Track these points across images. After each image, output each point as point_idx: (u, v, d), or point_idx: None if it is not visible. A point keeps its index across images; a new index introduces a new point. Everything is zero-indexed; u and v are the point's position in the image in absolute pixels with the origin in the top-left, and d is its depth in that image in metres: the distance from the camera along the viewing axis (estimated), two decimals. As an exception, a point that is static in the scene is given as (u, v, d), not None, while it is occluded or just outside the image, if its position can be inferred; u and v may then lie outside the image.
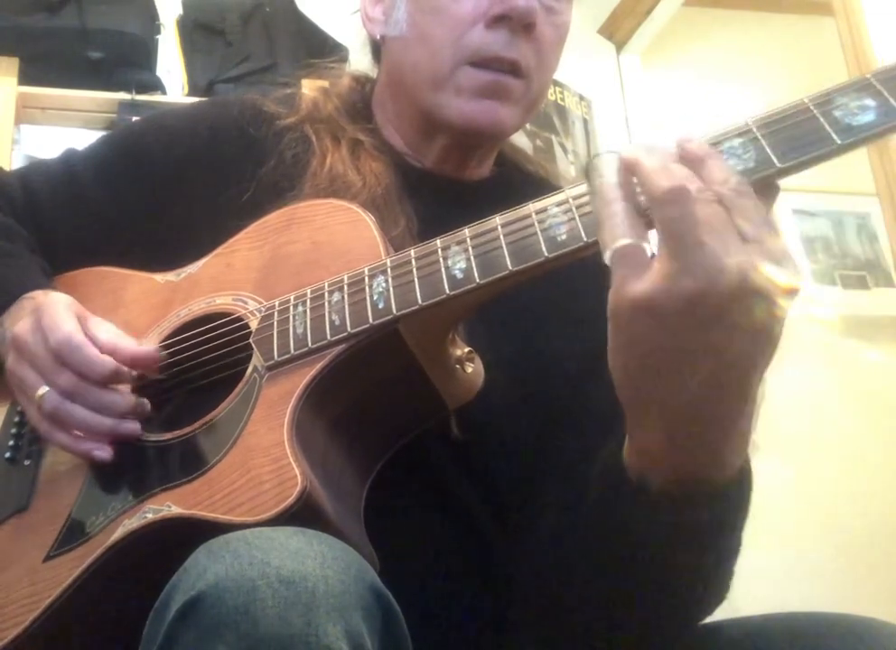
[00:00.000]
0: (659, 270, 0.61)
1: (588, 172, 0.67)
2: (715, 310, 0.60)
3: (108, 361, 0.85)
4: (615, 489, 0.74)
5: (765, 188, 0.66)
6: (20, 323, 0.89)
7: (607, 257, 0.63)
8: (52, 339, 0.86)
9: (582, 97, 3.15)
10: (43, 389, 0.86)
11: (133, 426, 0.86)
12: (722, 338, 0.61)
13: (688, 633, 0.83)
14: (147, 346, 0.90)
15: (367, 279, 0.81)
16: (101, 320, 0.90)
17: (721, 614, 0.85)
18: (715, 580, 0.78)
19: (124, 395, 0.86)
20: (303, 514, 0.71)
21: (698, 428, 0.66)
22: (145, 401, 0.87)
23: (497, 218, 0.78)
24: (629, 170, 0.65)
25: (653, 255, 0.63)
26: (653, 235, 0.64)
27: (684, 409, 0.65)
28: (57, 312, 0.88)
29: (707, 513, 0.70)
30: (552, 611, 0.87)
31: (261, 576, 0.60)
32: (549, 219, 0.74)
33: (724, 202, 0.61)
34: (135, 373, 0.89)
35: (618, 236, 0.63)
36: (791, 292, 0.61)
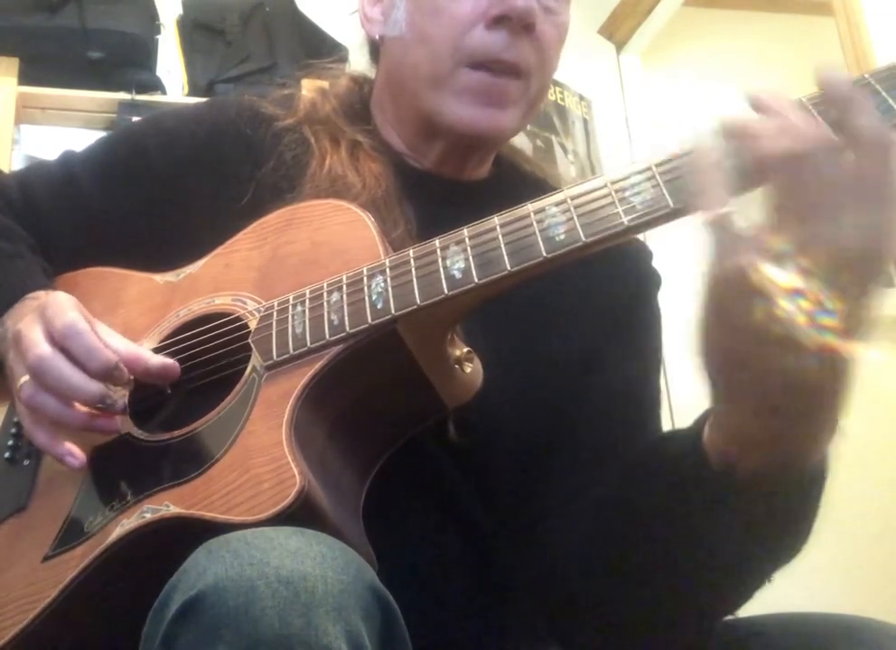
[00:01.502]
0: (780, 234, 0.58)
1: (689, 140, 0.65)
2: (839, 276, 0.58)
3: (111, 354, 0.84)
4: (690, 476, 0.72)
5: None
6: (24, 320, 0.89)
7: (707, 226, 0.61)
8: (57, 324, 0.85)
9: (582, 97, 3.15)
10: (24, 378, 0.85)
11: (108, 423, 0.85)
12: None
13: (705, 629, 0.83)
14: (167, 359, 0.88)
15: (365, 279, 0.81)
16: (109, 329, 0.89)
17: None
18: (764, 573, 0.77)
19: (91, 382, 0.83)
20: (301, 513, 0.71)
21: (793, 406, 0.64)
22: (116, 397, 0.85)
23: (495, 218, 0.78)
24: (734, 136, 0.62)
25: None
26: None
27: (780, 384, 0.63)
28: (60, 305, 0.88)
29: (790, 500, 0.70)
30: (559, 609, 0.87)
31: (260, 576, 0.60)
32: (548, 220, 0.74)
33: (861, 155, 0.58)
34: (130, 376, 0.88)
35: (719, 203, 0.60)
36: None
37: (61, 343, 0.84)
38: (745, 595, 0.79)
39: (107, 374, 0.84)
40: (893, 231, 0.58)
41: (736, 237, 0.60)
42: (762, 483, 0.69)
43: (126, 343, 0.88)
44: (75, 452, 0.84)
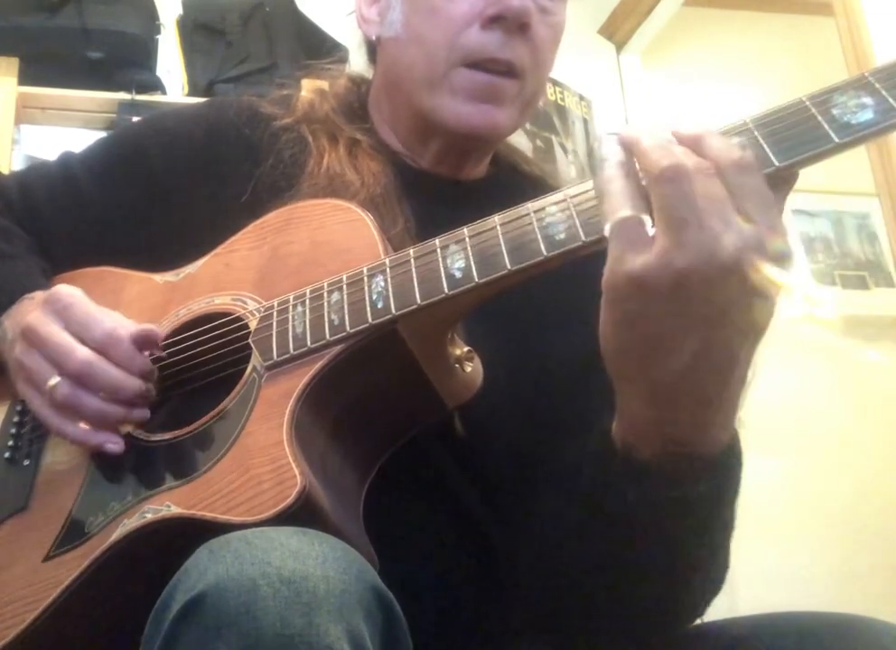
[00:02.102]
0: (655, 246, 0.62)
1: (591, 152, 0.68)
2: (708, 287, 0.61)
3: (146, 358, 0.86)
4: (605, 463, 0.75)
5: (781, 178, 0.67)
6: (33, 314, 0.88)
7: (606, 230, 0.64)
8: (73, 315, 0.86)
9: (582, 97, 3.15)
10: (55, 379, 0.85)
11: (144, 413, 0.86)
12: (712, 315, 0.62)
13: (689, 622, 0.83)
14: (144, 325, 0.89)
15: (366, 279, 0.81)
16: (105, 309, 0.90)
17: (721, 613, 0.85)
18: (709, 559, 0.79)
19: (134, 380, 0.86)
20: (302, 513, 0.71)
21: (685, 402, 0.67)
22: (151, 386, 0.87)
23: (495, 217, 0.78)
24: (627, 149, 0.66)
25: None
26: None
27: (671, 383, 0.66)
28: (73, 296, 0.88)
29: (694, 486, 0.71)
30: (552, 606, 0.87)
31: (262, 576, 0.60)
32: (548, 219, 0.74)
33: (724, 179, 0.63)
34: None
35: (617, 208, 0.64)
36: (784, 265, 0.62)
37: (103, 351, 0.85)
38: (691, 589, 0.81)
39: (146, 376, 0.86)
40: (755, 247, 0.61)
41: (630, 242, 0.63)
42: (661, 471, 0.71)
43: (115, 318, 0.88)
44: (113, 438, 0.85)
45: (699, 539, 0.76)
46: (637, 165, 0.65)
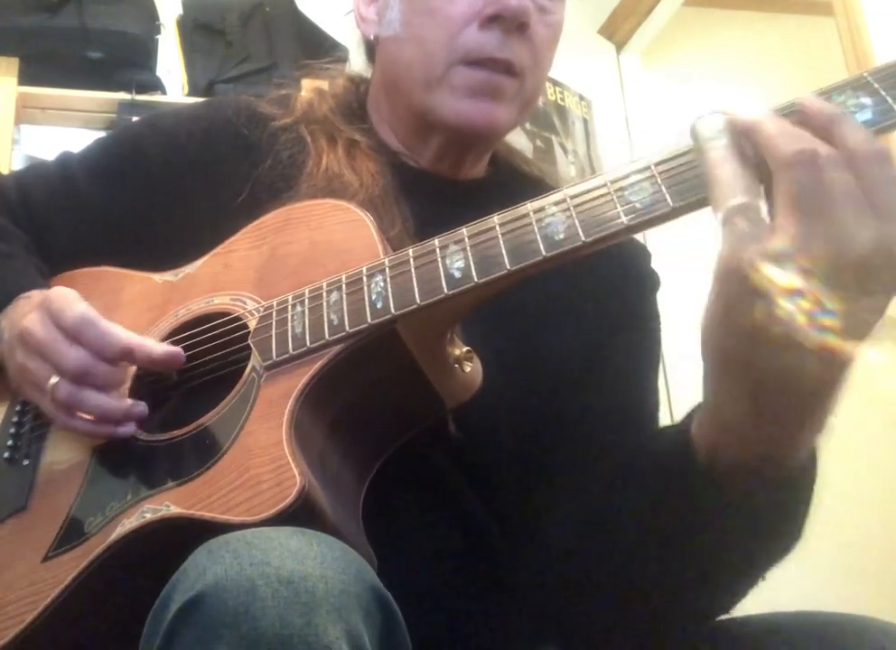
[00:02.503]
0: (779, 235, 0.59)
1: (695, 133, 0.65)
2: (839, 280, 0.58)
3: (125, 336, 0.86)
4: (677, 468, 0.73)
5: None
6: (28, 317, 0.89)
7: (719, 217, 0.61)
8: (66, 319, 0.86)
9: (582, 97, 3.15)
10: (55, 379, 0.85)
11: (143, 408, 0.86)
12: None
13: (710, 622, 0.83)
14: (171, 346, 0.89)
15: (365, 278, 0.81)
16: (112, 322, 0.90)
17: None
18: (756, 569, 0.78)
19: (130, 373, 0.86)
20: (301, 513, 0.71)
21: (786, 402, 0.65)
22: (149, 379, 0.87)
23: (495, 217, 0.78)
24: (746, 133, 0.63)
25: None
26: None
27: (778, 382, 0.63)
28: (66, 298, 0.88)
29: (769, 495, 0.70)
30: (558, 606, 0.87)
31: (261, 576, 0.60)
32: (547, 219, 0.74)
33: (859, 170, 0.59)
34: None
35: (731, 194, 0.61)
36: None
37: (76, 336, 0.85)
38: (736, 592, 0.79)
39: (123, 356, 0.86)
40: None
41: (748, 230, 0.60)
42: (747, 475, 0.69)
43: (129, 333, 0.88)
44: (125, 423, 0.86)
45: (753, 547, 0.74)
46: (749, 149, 0.62)
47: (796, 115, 0.63)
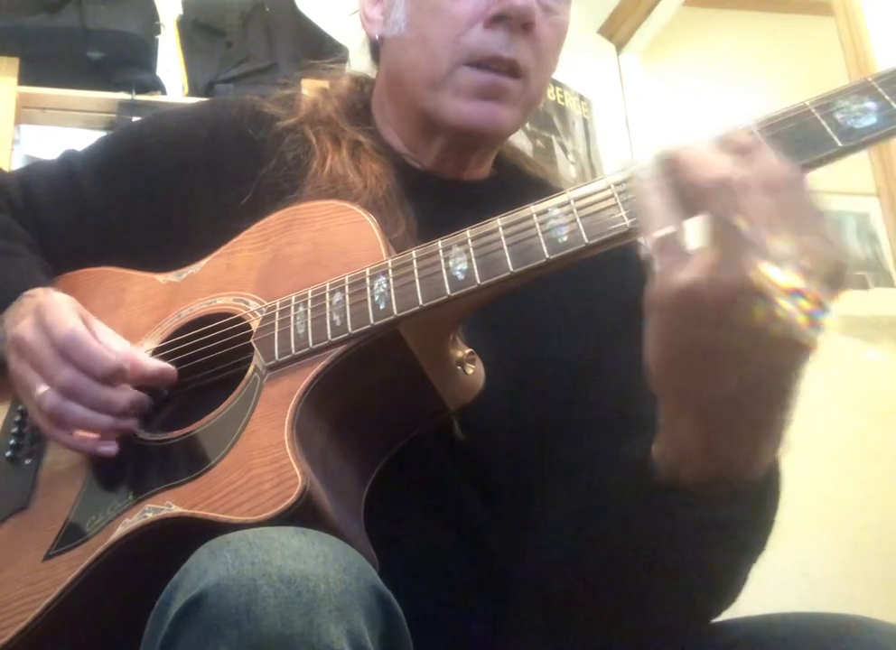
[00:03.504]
0: (703, 260, 0.59)
1: (632, 165, 0.66)
2: (759, 303, 0.59)
3: (113, 358, 0.85)
4: (642, 484, 0.73)
5: None
6: (21, 323, 0.89)
7: (649, 246, 0.62)
8: (56, 335, 0.85)
9: (582, 97, 3.15)
10: (42, 388, 0.85)
11: (131, 423, 0.86)
12: (764, 332, 0.60)
13: (694, 631, 0.83)
14: (164, 363, 0.89)
15: (368, 280, 0.81)
16: (108, 329, 0.90)
17: (722, 614, 0.85)
18: (730, 579, 0.78)
19: (122, 392, 0.86)
20: (303, 513, 0.71)
21: (736, 424, 0.66)
22: (145, 396, 0.87)
23: (498, 219, 0.78)
24: (670, 161, 0.64)
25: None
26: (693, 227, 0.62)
27: (721, 403, 0.64)
28: (60, 310, 0.88)
29: (734, 509, 0.70)
30: (555, 609, 0.87)
31: (262, 575, 0.60)
32: (550, 221, 0.74)
33: (775, 195, 0.60)
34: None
35: (660, 224, 0.62)
36: (840, 281, 0.59)
37: (64, 354, 0.85)
38: (713, 602, 0.80)
39: (115, 377, 0.85)
40: (824, 251, 0.59)
41: (675, 258, 0.61)
42: (705, 494, 0.70)
43: (125, 346, 0.88)
44: (106, 441, 0.85)
45: (722, 559, 0.75)
46: (679, 179, 0.63)
47: (714, 145, 0.64)
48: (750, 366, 0.62)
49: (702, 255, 0.60)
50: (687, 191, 0.62)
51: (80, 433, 0.86)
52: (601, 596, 0.82)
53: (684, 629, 0.82)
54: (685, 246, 0.61)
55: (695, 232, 0.61)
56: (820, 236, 0.60)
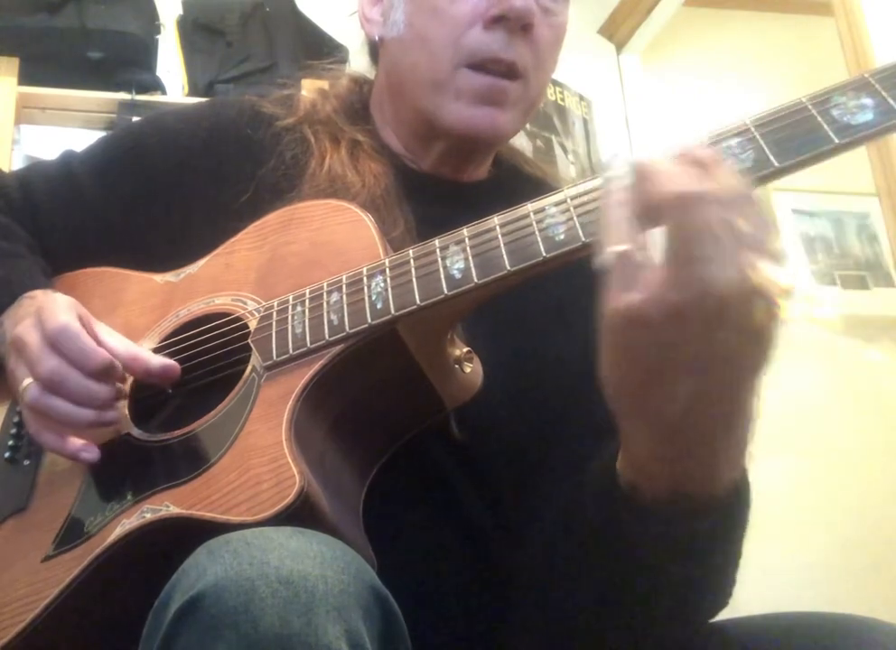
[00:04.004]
0: (652, 280, 0.60)
1: (601, 176, 0.66)
2: (706, 323, 0.59)
3: (104, 353, 0.85)
4: (608, 497, 0.73)
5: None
6: (22, 323, 0.89)
7: (604, 261, 0.62)
8: (48, 328, 0.85)
9: (582, 97, 3.15)
10: (27, 381, 0.85)
11: (113, 415, 0.85)
12: (712, 353, 0.60)
13: (685, 635, 0.83)
14: (168, 359, 0.88)
15: (365, 279, 0.81)
16: (110, 328, 0.90)
17: (721, 614, 0.85)
18: (710, 590, 0.78)
19: (105, 386, 0.85)
20: (301, 513, 0.71)
21: (688, 441, 0.65)
22: (125, 389, 0.87)
23: (495, 218, 0.78)
24: (635, 173, 0.63)
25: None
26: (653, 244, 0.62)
27: (673, 421, 0.64)
28: (56, 307, 0.88)
29: (698, 525, 0.69)
30: (547, 612, 0.87)
31: (260, 576, 0.60)
32: (547, 220, 0.74)
33: (727, 206, 0.60)
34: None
35: (615, 240, 0.62)
36: (787, 297, 0.60)
37: (56, 346, 0.85)
38: (692, 617, 0.80)
39: (104, 372, 0.84)
40: (768, 279, 0.59)
41: (628, 275, 0.61)
42: (664, 509, 0.69)
43: (127, 343, 0.88)
44: (88, 447, 0.85)
45: (700, 571, 0.74)
46: (641, 191, 0.63)
47: (676, 159, 0.64)
48: (700, 382, 0.61)
49: (652, 273, 0.60)
50: (648, 204, 0.62)
51: (63, 435, 0.85)
52: (581, 600, 0.81)
53: (673, 632, 0.82)
54: (638, 264, 0.61)
55: (649, 248, 0.61)
56: (771, 252, 0.60)
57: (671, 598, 0.76)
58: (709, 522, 0.70)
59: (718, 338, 0.59)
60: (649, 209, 0.61)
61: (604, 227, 0.63)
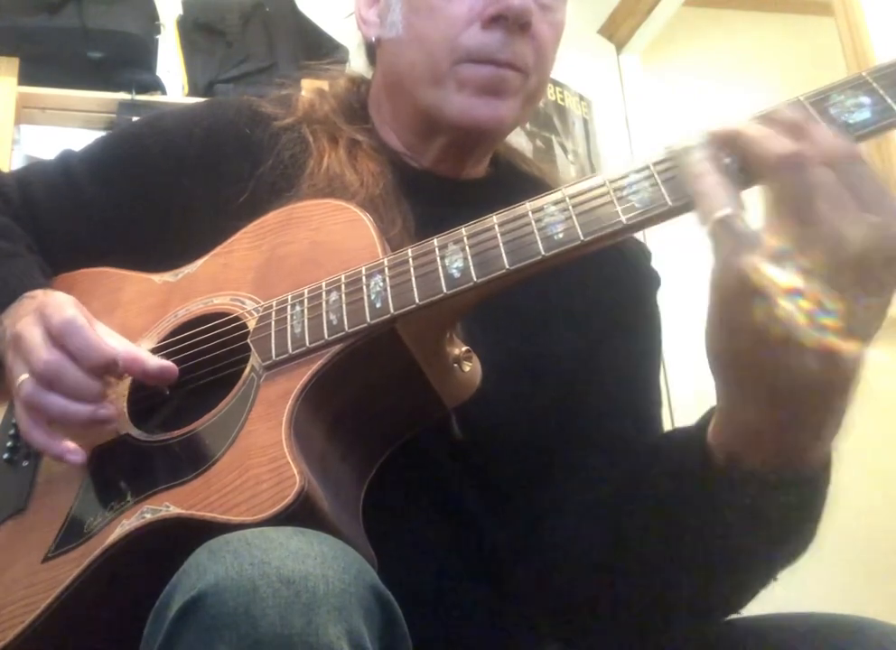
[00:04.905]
0: (777, 236, 0.59)
1: (675, 150, 0.66)
2: (837, 279, 0.58)
3: (109, 348, 0.84)
4: (693, 470, 0.72)
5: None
6: (23, 321, 0.88)
7: (707, 229, 0.62)
8: (54, 321, 0.85)
9: (582, 97, 3.15)
10: (23, 377, 0.85)
11: (109, 411, 0.85)
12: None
13: (702, 630, 0.83)
14: (165, 361, 0.87)
15: (364, 278, 0.81)
16: (108, 328, 0.89)
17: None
18: (768, 570, 0.77)
19: (100, 382, 0.84)
20: (301, 513, 0.71)
21: (799, 407, 0.65)
22: (121, 388, 0.86)
23: (494, 217, 0.78)
24: (728, 140, 0.63)
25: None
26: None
27: (786, 385, 0.63)
28: (61, 302, 0.88)
29: (794, 496, 0.69)
30: (558, 605, 0.87)
31: (261, 576, 0.60)
32: (546, 218, 0.74)
33: (837, 168, 0.60)
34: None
35: (718, 206, 0.61)
36: None
37: (60, 340, 0.84)
38: (748, 593, 0.79)
39: (105, 369, 0.84)
40: (890, 234, 0.59)
41: (737, 239, 0.60)
42: (766, 479, 0.69)
43: (125, 343, 0.88)
44: (75, 449, 0.84)
45: (765, 548, 0.74)
46: (728, 159, 0.62)
47: (768, 122, 0.64)
48: None
49: (767, 234, 0.59)
50: (753, 168, 0.61)
51: (54, 434, 0.85)
52: (615, 590, 0.81)
53: (700, 623, 0.82)
54: (747, 228, 0.60)
55: (751, 213, 0.60)
56: (888, 212, 0.59)
57: (725, 582, 0.76)
58: (802, 493, 0.70)
59: (839, 298, 0.58)
60: (761, 171, 0.61)
61: (698, 197, 0.63)
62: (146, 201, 1.04)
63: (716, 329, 0.64)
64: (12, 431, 0.95)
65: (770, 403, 0.65)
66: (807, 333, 0.59)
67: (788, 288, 0.59)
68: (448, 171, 1.06)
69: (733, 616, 0.84)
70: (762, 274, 0.59)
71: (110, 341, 0.86)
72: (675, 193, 0.69)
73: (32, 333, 0.86)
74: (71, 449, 0.84)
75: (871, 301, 0.60)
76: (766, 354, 0.62)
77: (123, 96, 2.39)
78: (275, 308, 0.86)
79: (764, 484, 0.69)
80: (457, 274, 0.76)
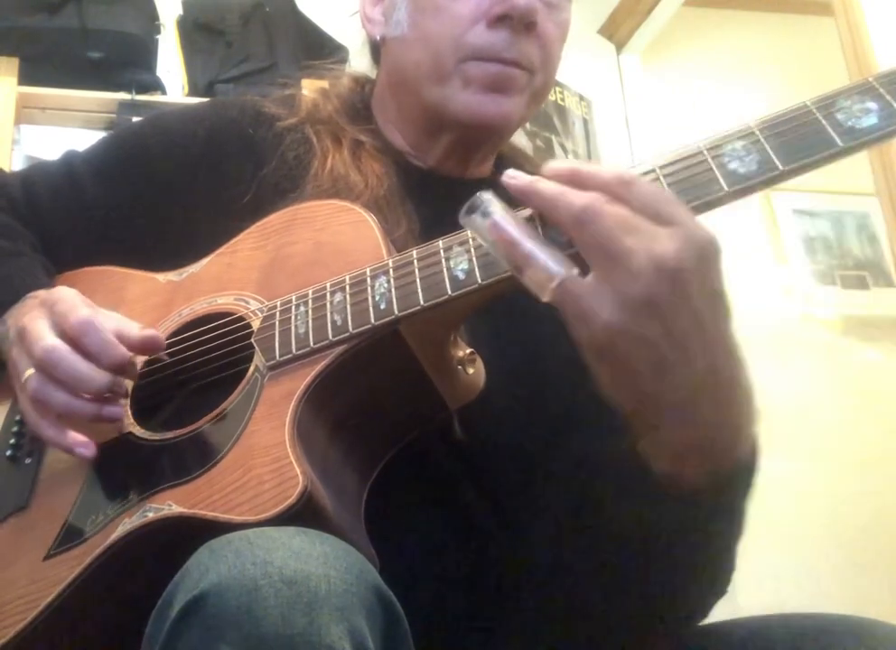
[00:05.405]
0: (604, 289, 0.62)
1: (471, 220, 0.68)
2: (671, 299, 0.62)
3: (124, 349, 0.84)
4: (642, 481, 0.74)
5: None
6: (28, 316, 0.88)
7: (547, 298, 0.65)
8: (73, 320, 0.84)
9: (582, 97, 3.15)
10: (29, 372, 0.84)
11: (116, 409, 0.84)
12: (695, 319, 0.63)
13: (690, 626, 0.83)
14: (149, 329, 0.87)
15: (369, 279, 0.81)
16: (108, 311, 0.89)
17: (722, 614, 0.85)
18: (725, 566, 0.79)
19: (105, 374, 0.83)
20: (303, 513, 0.71)
21: (715, 410, 0.67)
22: (122, 380, 0.85)
23: None
24: (529, 201, 0.67)
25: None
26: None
27: (693, 400, 0.66)
28: (71, 300, 0.87)
29: (730, 497, 0.72)
30: (553, 609, 0.87)
31: (263, 576, 0.60)
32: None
33: (623, 198, 0.63)
34: (140, 368, 0.88)
35: (551, 273, 0.64)
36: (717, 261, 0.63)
37: (77, 339, 0.84)
38: (706, 592, 0.81)
39: (120, 369, 0.84)
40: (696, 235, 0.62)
41: (578, 299, 0.64)
42: (709, 486, 0.71)
43: (116, 320, 0.87)
44: (86, 442, 0.84)
45: (716, 544, 0.76)
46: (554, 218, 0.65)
47: (550, 176, 0.67)
48: (698, 350, 0.64)
49: (601, 285, 0.63)
50: (565, 229, 0.65)
51: (63, 429, 0.84)
52: (596, 592, 0.82)
53: (684, 624, 0.83)
54: (582, 285, 0.63)
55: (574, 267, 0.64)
56: (683, 216, 0.63)
57: (679, 575, 0.77)
58: (740, 486, 0.72)
59: (691, 308, 0.62)
60: (565, 229, 0.65)
61: (522, 269, 0.66)
62: (149, 201, 1.05)
63: (604, 384, 0.68)
64: (15, 429, 0.96)
65: (685, 422, 0.68)
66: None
67: (645, 321, 0.62)
68: (453, 170, 1.06)
69: (717, 620, 0.85)
70: (622, 324, 0.63)
71: (108, 323, 0.85)
72: (677, 194, 0.69)
73: (38, 325, 0.86)
74: (82, 442, 0.84)
75: (710, 294, 0.64)
76: (654, 384, 0.66)
77: (123, 96, 2.39)
78: (279, 308, 0.86)
79: (704, 493, 0.71)
80: (462, 276, 0.76)
